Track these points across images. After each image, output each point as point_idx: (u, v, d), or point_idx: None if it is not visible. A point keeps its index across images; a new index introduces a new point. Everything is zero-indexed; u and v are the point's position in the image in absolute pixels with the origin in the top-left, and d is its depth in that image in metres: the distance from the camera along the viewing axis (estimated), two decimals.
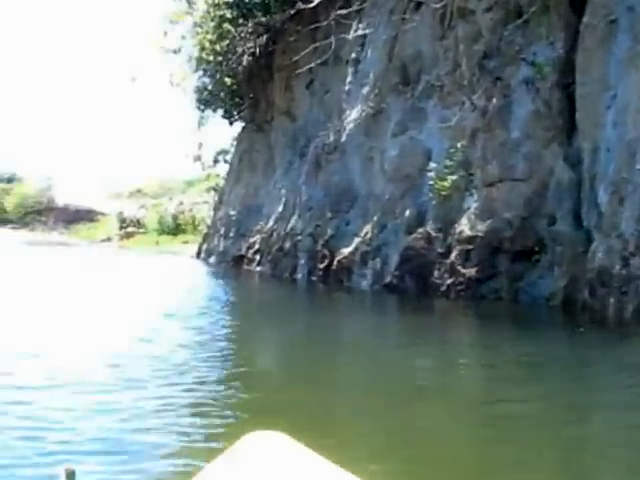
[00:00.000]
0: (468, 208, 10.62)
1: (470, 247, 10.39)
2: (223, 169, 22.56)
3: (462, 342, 8.48)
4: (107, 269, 18.63)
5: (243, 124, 20.22)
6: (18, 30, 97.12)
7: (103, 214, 46.55)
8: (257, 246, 16.98)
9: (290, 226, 15.19)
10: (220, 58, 17.44)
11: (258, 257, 16.83)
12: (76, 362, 6.65)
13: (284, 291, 14.35)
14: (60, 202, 55.03)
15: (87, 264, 20.25)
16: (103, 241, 37.05)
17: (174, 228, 30.99)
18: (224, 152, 22.36)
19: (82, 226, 46.95)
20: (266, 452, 2.14)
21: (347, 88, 14.04)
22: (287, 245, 15.17)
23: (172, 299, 11.99)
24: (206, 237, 21.73)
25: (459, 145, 10.73)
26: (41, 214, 58.43)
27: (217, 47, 17.26)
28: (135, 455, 4.20)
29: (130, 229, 34.96)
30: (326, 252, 13.39)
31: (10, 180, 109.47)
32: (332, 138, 13.95)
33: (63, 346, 7.49)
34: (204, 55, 17.99)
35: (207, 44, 17.56)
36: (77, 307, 10.44)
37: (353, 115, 13.51)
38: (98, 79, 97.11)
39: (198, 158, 22.01)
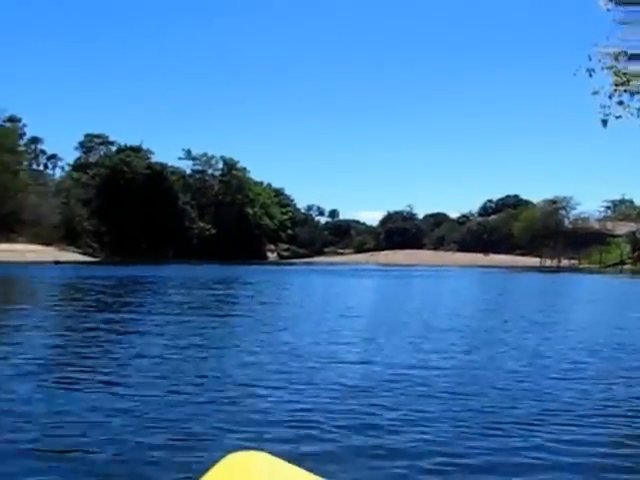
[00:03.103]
0: None
1: None
2: None
3: None
4: None
5: None
6: None
7: (614, 236, 47.66)
8: None
9: None
10: None
11: None
12: None
13: None
14: (568, 225, 57.40)
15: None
16: (613, 265, 38.88)
17: None
18: None
19: (592, 249, 48.89)
20: (249, 473, 2.11)
21: None
22: None
23: None
24: None
25: None
26: (549, 238, 62.53)
27: None
28: None
29: None
30: None
31: (515, 205, 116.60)
32: None
33: None
34: None
35: None
36: None
37: None
38: None
39: None
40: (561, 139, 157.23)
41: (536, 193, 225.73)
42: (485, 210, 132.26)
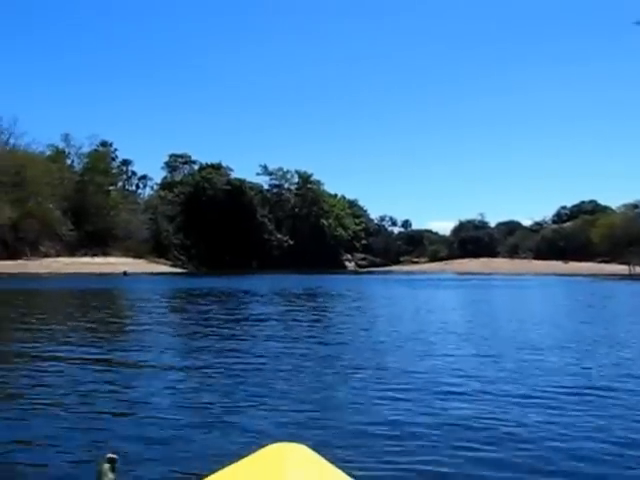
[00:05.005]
0: None
1: None
2: None
3: None
4: None
5: None
6: None
7: None
8: None
9: None
10: None
11: None
12: None
13: None
14: None
15: None
16: None
17: None
18: None
19: None
20: (284, 464, 2.21)
21: None
22: None
23: None
24: None
25: None
26: (634, 245, 59.18)
27: None
28: None
29: None
30: None
31: (592, 211, 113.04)
32: None
33: None
34: None
35: None
36: None
37: None
38: None
39: None
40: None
41: (614, 198, 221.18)
42: (559, 217, 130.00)
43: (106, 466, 2.41)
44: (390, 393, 8.27)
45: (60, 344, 12.69)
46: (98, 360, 10.69)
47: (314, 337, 14.26)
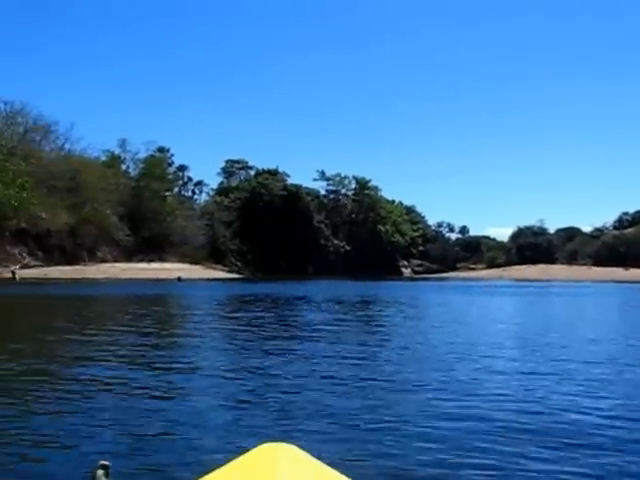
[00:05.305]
0: None
1: None
2: None
3: None
4: None
5: None
6: None
7: None
8: None
9: None
10: None
11: None
12: None
13: None
14: None
15: None
16: None
17: None
18: None
19: None
20: (277, 463, 2.18)
21: None
22: None
23: None
24: None
25: None
26: None
27: None
28: None
29: None
30: None
31: None
32: None
33: None
34: None
35: None
36: None
37: None
38: None
39: None
40: None
41: None
42: (621, 223, 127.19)
43: (100, 472, 2.40)
44: (453, 414, 7.27)
45: (112, 350, 12.64)
46: (149, 365, 10.74)
47: (369, 347, 13.48)
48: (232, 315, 23.81)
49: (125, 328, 16.95)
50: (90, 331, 15.87)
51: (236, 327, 18.68)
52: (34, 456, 5.62)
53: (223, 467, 2.35)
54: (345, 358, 11.63)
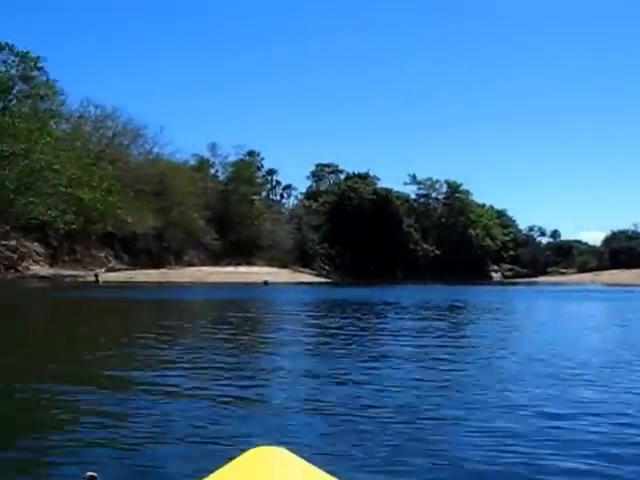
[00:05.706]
0: None
1: None
2: None
3: None
4: None
5: None
6: None
7: None
8: None
9: None
10: None
11: None
12: None
13: None
14: None
15: None
16: None
17: None
18: None
19: None
20: (267, 467, 2.17)
21: None
22: None
23: None
24: None
25: None
26: None
27: None
28: None
29: None
30: None
31: None
32: None
33: None
34: None
35: None
36: None
37: None
38: None
39: None
40: None
41: None
42: None
43: None
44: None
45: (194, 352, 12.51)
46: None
47: (459, 359, 12.15)
48: (321, 321, 22.76)
49: (206, 334, 16.58)
50: (167, 337, 15.15)
51: (320, 331, 18.01)
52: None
53: (215, 472, 2.28)
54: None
